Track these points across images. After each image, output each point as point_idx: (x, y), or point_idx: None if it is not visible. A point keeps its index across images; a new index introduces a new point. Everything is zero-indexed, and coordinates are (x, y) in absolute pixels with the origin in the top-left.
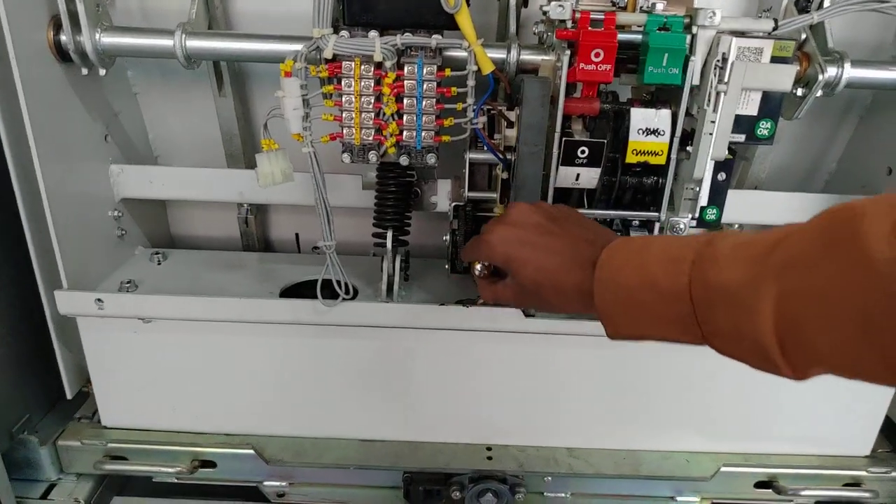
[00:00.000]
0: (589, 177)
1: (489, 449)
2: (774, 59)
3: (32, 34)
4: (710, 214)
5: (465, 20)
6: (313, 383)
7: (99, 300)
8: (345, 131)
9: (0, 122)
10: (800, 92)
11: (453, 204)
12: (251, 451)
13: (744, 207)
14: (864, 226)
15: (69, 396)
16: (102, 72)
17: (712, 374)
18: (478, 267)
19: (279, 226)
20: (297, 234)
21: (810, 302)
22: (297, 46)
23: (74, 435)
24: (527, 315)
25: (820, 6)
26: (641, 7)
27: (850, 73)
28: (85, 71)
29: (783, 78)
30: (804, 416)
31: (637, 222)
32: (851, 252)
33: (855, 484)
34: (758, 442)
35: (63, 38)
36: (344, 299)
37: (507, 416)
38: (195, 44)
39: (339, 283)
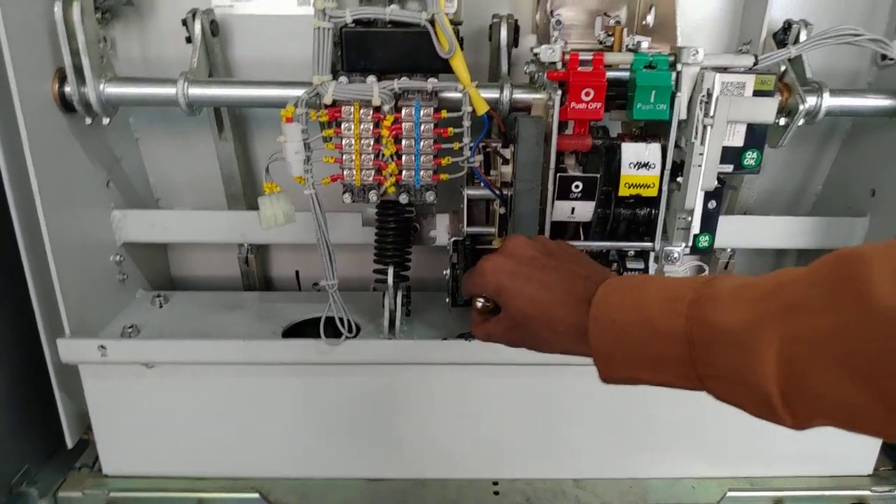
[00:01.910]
0: (584, 210)
1: (496, 483)
2: (757, 93)
3: (37, 87)
4: (703, 241)
5: (459, 64)
6: (317, 423)
7: (102, 347)
8: (345, 173)
9: (5, 172)
10: (782, 121)
11: (452, 239)
12: (256, 496)
13: (734, 233)
14: (869, 272)
15: (70, 445)
16: (106, 121)
17: (707, 406)
18: (479, 302)
19: (279, 264)
20: (297, 272)
21: (813, 348)
22: (297, 92)
23: (75, 485)
24: None
25: (797, 40)
26: (627, 46)
27: (829, 101)
28: (89, 120)
29: (766, 111)
30: (805, 436)
31: (633, 252)
32: (857, 298)
33: (860, 503)
34: (761, 465)
35: (67, 89)
36: (347, 338)
37: (513, 449)
38: (197, 91)
39: (341, 321)
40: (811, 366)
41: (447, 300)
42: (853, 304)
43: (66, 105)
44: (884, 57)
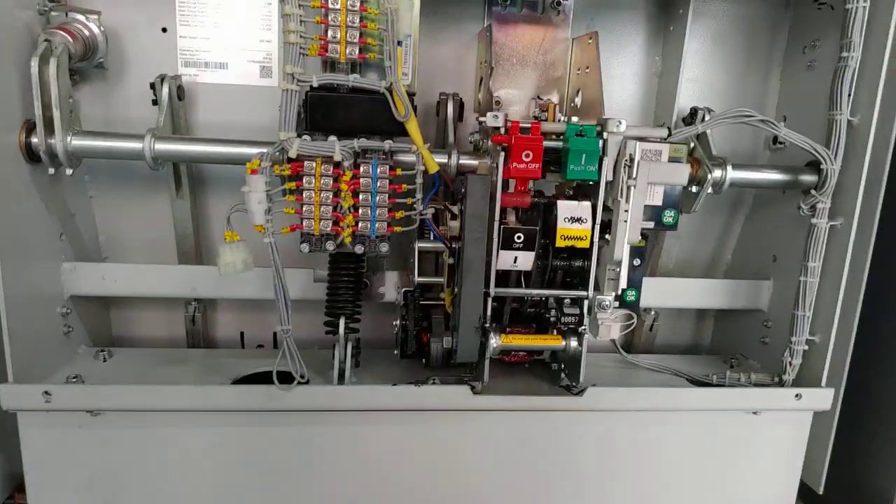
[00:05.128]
0: (525, 260)
1: None
2: (672, 160)
3: (5, 137)
4: (630, 296)
5: (413, 127)
6: (272, 476)
7: (46, 393)
8: (304, 223)
9: None
10: (694, 189)
11: (403, 290)
12: None
13: (658, 294)
14: None
15: None
16: (69, 171)
17: (634, 456)
18: None
19: (224, 325)
20: (241, 333)
21: None
22: (258, 150)
23: None
24: (475, 392)
25: (702, 121)
26: (559, 120)
27: (733, 174)
28: (52, 170)
29: (679, 174)
30: (724, 487)
31: (569, 300)
32: None
33: None
34: None
35: (34, 140)
36: (299, 382)
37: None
38: (163, 147)
39: (294, 369)
40: None
41: (396, 352)
42: None
43: (31, 155)
44: (775, 141)
